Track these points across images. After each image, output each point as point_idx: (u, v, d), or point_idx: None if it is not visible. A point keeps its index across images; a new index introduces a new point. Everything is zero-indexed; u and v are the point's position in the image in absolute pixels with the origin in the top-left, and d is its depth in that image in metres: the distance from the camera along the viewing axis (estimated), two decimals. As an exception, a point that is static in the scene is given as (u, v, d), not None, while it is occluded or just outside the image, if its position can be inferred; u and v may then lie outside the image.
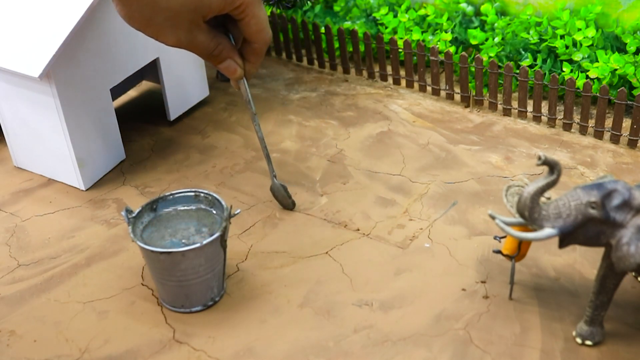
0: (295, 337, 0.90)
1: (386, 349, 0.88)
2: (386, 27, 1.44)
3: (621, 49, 1.29)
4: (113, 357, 0.89)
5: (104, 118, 1.16)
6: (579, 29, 1.29)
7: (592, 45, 1.29)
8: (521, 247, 0.91)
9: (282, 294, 0.96)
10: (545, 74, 1.28)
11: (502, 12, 1.42)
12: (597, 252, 0.90)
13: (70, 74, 1.08)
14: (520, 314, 0.91)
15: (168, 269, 0.90)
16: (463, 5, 1.43)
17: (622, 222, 0.79)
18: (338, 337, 0.90)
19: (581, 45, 1.28)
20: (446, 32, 1.40)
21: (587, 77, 1.25)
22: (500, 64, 1.32)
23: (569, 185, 1.10)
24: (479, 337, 0.89)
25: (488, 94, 1.30)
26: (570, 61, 1.30)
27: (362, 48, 1.42)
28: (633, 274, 0.95)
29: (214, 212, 0.97)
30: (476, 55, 1.28)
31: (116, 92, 1.34)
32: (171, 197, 0.98)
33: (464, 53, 1.29)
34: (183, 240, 0.97)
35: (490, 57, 1.32)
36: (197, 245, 0.88)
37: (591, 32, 1.28)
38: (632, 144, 1.19)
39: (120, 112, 1.31)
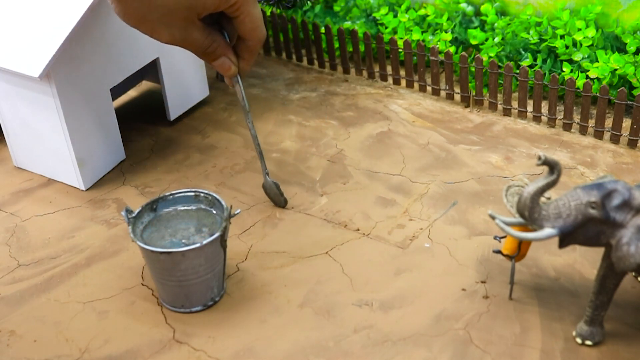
0: (295, 337, 0.90)
1: (386, 349, 0.88)
2: (386, 27, 1.44)
3: (621, 49, 1.29)
4: (113, 357, 0.89)
5: (104, 118, 1.16)
6: (579, 29, 1.29)
7: (592, 45, 1.29)
8: (521, 247, 0.91)
9: (282, 294, 0.96)
10: (545, 74, 1.28)
11: (502, 12, 1.42)
12: (597, 252, 0.90)
13: (70, 74, 1.08)
14: (520, 314, 0.91)
15: (168, 269, 0.90)
16: (463, 5, 1.43)
17: (622, 222, 0.79)
18: (338, 337, 0.90)
19: (581, 45, 1.28)
20: (446, 32, 1.40)
21: (587, 77, 1.25)
22: (500, 64, 1.32)
23: (569, 185, 1.10)
24: (479, 337, 0.89)
25: (488, 94, 1.30)
26: (570, 61, 1.30)
27: (362, 48, 1.42)
28: (633, 274, 0.95)
29: (214, 212, 0.97)
30: (476, 55, 1.28)
31: (116, 92, 1.34)
32: (171, 197, 0.98)
33: (464, 53, 1.29)
34: (183, 240, 0.97)
35: (490, 57, 1.32)
36: (197, 245, 0.88)
37: (591, 32, 1.28)
38: (632, 144, 1.19)
39: (120, 112, 1.31)
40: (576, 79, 1.23)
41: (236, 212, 0.95)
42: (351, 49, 1.44)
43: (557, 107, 1.27)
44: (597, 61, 1.26)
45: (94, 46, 1.10)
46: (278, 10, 1.45)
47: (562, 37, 1.31)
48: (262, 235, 1.06)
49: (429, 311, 0.92)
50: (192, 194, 0.98)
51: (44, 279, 1.00)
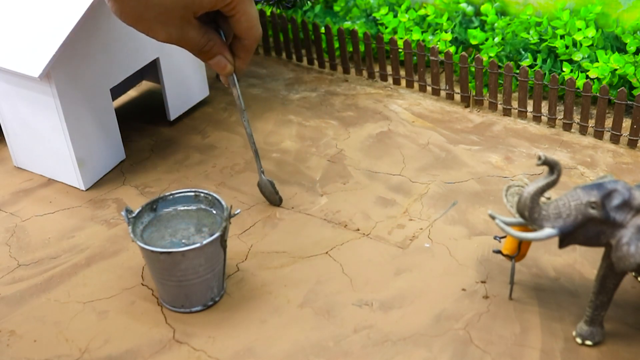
0: (295, 337, 0.90)
1: (386, 349, 0.88)
2: (386, 27, 1.44)
3: (621, 49, 1.29)
4: (113, 357, 0.89)
5: (104, 118, 1.16)
6: (579, 29, 1.29)
7: (592, 45, 1.29)
8: (521, 247, 0.91)
9: (282, 294, 0.96)
10: (545, 74, 1.28)
11: (502, 12, 1.42)
12: (597, 252, 0.90)
13: (70, 74, 1.08)
14: (520, 314, 0.91)
15: (168, 269, 0.90)
16: (463, 5, 1.43)
17: (622, 222, 0.79)
18: (338, 337, 0.90)
19: (581, 45, 1.28)
20: (446, 32, 1.40)
21: (587, 77, 1.25)
22: (500, 64, 1.32)
23: (569, 185, 1.10)
24: (479, 337, 0.89)
25: (488, 94, 1.30)
26: (570, 61, 1.30)
27: (362, 48, 1.42)
28: (633, 274, 0.95)
29: (214, 212, 0.97)
30: (476, 55, 1.28)
31: (116, 92, 1.34)
32: (171, 197, 0.98)
33: (464, 53, 1.29)
34: (183, 240, 0.97)
35: (490, 57, 1.32)
36: (197, 245, 0.88)
37: (591, 32, 1.28)
38: (632, 144, 1.19)
39: (120, 112, 1.31)
40: (576, 79, 1.23)
41: (236, 212, 0.95)
42: (351, 49, 1.44)
43: (557, 107, 1.27)
44: (597, 61, 1.26)
45: (94, 46, 1.10)
46: (278, 10, 1.45)
47: (562, 37, 1.31)
48: (262, 235, 1.06)
49: (429, 311, 0.92)
50: (192, 194, 0.98)
51: (44, 279, 1.00)
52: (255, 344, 0.90)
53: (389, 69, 1.42)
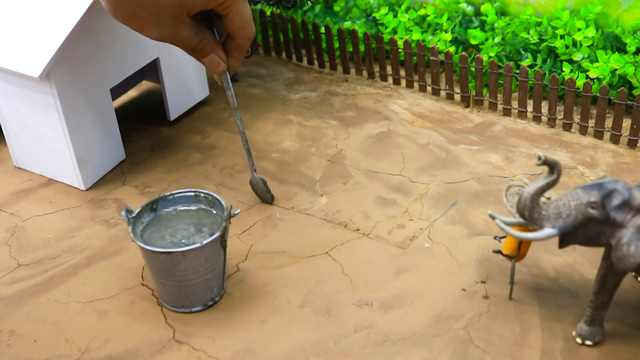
0: (295, 337, 0.90)
1: (386, 349, 0.88)
2: (386, 27, 1.44)
3: (621, 49, 1.29)
4: (113, 357, 0.89)
5: (104, 118, 1.16)
6: (579, 29, 1.29)
7: (592, 45, 1.29)
8: (521, 247, 0.91)
9: (282, 294, 0.96)
10: (545, 74, 1.28)
11: (502, 12, 1.42)
12: (597, 252, 0.90)
13: (70, 74, 1.08)
14: (520, 314, 0.91)
15: (168, 269, 0.90)
16: (463, 5, 1.43)
17: (622, 222, 0.79)
18: (338, 337, 0.90)
19: (581, 45, 1.28)
20: (446, 32, 1.40)
21: (587, 77, 1.25)
22: (500, 64, 1.32)
23: (569, 185, 1.10)
24: (479, 337, 0.89)
25: (488, 94, 1.30)
26: (570, 61, 1.30)
27: (362, 48, 1.42)
28: (633, 274, 0.95)
29: (214, 212, 0.97)
30: (476, 55, 1.28)
31: (116, 92, 1.34)
32: (171, 197, 0.98)
33: (464, 53, 1.29)
34: (183, 240, 0.97)
35: (490, 57, 1.32)
36: (197, 245, 0.88)
37: (591, 32, 1.28)
38: (632, 144, 1.19)
39: (120, 112, 1.31)
40: (576, 79, 1.23)
41: (236, 212, 0.95)
42: (351, 49, 1.44)
43: (557, 107, 1.27)
44: (597, 61, 1.26)
45: (94, 46, 1.10)
46: (278, 10, 1.45)
47: (562, 37, 1.31)
48: (262, 235, 1.06)
49: (429, 311, 0.92)
50: (192, 194, 0.98)
51: (44, 279, 1.00)
52: (255, 344, 0.90)
53: (389, 69, 1.42)
